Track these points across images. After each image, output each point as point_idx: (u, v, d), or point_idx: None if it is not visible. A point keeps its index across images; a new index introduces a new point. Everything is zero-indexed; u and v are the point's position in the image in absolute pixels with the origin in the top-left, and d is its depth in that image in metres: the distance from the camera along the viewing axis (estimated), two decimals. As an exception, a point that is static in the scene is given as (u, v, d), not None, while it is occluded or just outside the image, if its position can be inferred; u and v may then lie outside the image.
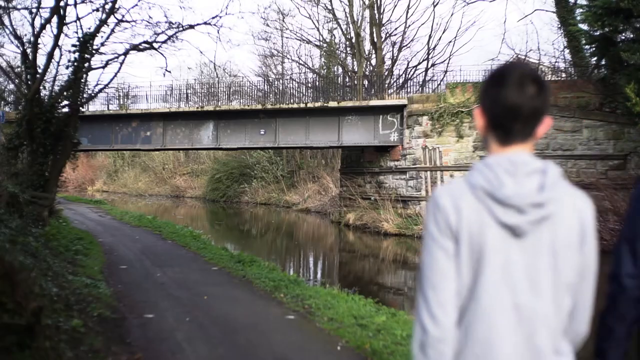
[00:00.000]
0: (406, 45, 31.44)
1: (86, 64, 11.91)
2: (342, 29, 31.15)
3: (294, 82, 25.32)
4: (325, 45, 33.00)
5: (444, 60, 30.33)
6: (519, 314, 1.34)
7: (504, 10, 65.72)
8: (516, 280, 1.35)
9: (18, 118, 12.16)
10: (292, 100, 22.83)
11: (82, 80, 12.27)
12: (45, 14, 12.18)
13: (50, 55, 11.53)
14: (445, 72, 24.40)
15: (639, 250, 1.65)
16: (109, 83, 13.37)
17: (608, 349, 1.78)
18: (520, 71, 1.41)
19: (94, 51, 11.97)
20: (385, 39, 30.11)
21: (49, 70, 11.70)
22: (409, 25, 30.69)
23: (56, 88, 12.35)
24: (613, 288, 1.72)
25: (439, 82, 22.61)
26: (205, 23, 13.23)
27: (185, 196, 42.86)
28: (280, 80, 26.90)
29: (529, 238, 1.36)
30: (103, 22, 11.82)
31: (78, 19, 11.75)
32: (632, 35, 15.25)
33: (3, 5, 12.06)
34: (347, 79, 28.24)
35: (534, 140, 1.43)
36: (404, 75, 28.88)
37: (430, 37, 30.46)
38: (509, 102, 1.39)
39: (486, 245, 1.35)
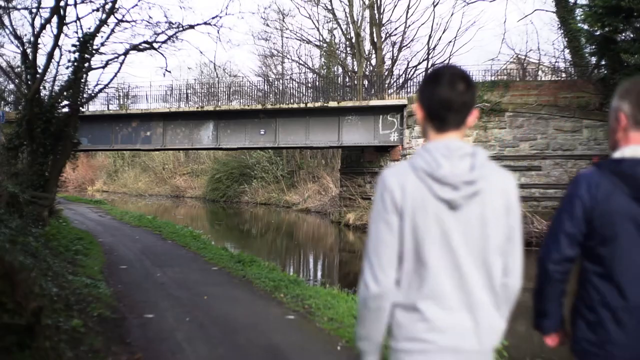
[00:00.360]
0: (406, 45, 31.47)
1: (86, 64, 11.92)
2: (342, 29, 31.18)
3: (294, 82, 25.33)
4: (325, 45, 33.01)
5: (444, 60, 30.31)
6: (459, 272, 1.62)
7: (504, 10, 65.73)
8: (454, 245, 1.62)
9: (18, 118, 12.16)
10: (292, 100, 22.84)
11: (82, 80, 12.27)
12: (45, 14, 12.19)
13: (50, 55, 11.54)
14: (445, 72, 24.37)
15: (563, 241, 1.96)
16: (109, 83, 13.39)
17: (543, 321, 2.16)
18: (451, 72, 1.72)
19: (94, 51, 11.97)
20: (385, 39, 30.12)
21: (49, 70, 11.72)
22: (409, 25, 30.71)
23: (56, 88, 12.36)
24: (540, 274, 2.09)
25: (439, 82, 22.62)
26: (205, 23, 13.24)
27: (185, 196, 42.86)
28: (280, 80, 26.91)
29: (463, 210, 1.63)
30: (103, 22, 11.82)
31: (78, 19, 11.76)
32: (632, 35, 15.25)
33: (3, 5, 12.06)
34: (347, 79, 28.25)
35: (465, 129, 1.73)
36: (404, 75, 28.88)
37: (430, 37, 30.46)
38: (442, 97, 1.67)
39: (428, 217, 1.61)
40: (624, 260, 1.88)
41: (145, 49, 12.97)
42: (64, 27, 11.45)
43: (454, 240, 1.62)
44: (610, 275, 1.91)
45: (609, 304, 1.90)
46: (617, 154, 1.97)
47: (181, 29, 12.86)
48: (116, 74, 13.28)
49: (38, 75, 11.47)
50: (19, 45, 11.74)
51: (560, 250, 1.99)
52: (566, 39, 20.78)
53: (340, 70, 32.35)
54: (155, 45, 12.98)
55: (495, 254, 1.67)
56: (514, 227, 1.71)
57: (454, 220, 1.63)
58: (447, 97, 1.67)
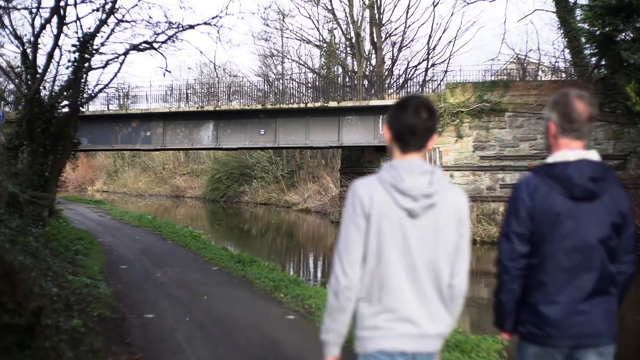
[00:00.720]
0: (406, 45, 31.46)
1: (86, 64, 11.91)
2: (342, 29, 31.17)
3: (294, 82, 25.32)
4: (325, 45, 33.00)
5: (444, 60, 30.31)
6: (414, 271, 1.91)
7: (504, 10, 65.74)
8: (411, 247, 1.91)
9: (18, 118, 12.16)
10: (292, 100, 22.83)
11: (82, 80, 12.27)
12: (45, 14, 12.19)
13: (50, 55, 11.53)
14: (445, 72, 24.40)
15: (514, 240, 2.20)
16: (109, 83, 13.39)
17: (502, 317, 2.33)
18: (417, 101, 1.97)
19: (94, 51, 11.97)
20: (385, 39, 30.11)
21: (49, 70, 11.71)
22: (409, 25, 30.70)
23: (56, 88, 12.36)
24: (499, 270, 2.26)
25: (439, 82, 22.62)
26: (205, 23, 13.23)
27: (185, 196, 42.86)
28: (280, 80, 26.91)
29: (421, 218, 1.91)
30: (103, 22, 11.82)
31: (78, 19, 11.75)
32: (632, 35, 15.24)
33: (3, 5, 12.06)
34: (347, 79, 28.25)
35: (426, 151, 2.01)
36: (404, 75, 28.88)
37: (430, 37, 30.47)
38: (408, 123, 1.94)
39: (391, 222, 1.90)
40: (559, 250, 2.17)
41: (145, 49, 12.96)
42: (64, 27, 11.45)
43: (411, 244, 1.91)
44: (547, 265, 2.19)
45: (545, 289, 2.20)
46: (550, 159, 2.26)
47: (181, 29, 12.86)
48: (116, 74, 13.29)
49: (38, 75, 11.47)
50: (19, 45, 11.74)
51: (514, 248, 2.22)
52: (566, 39, 20.79)
53: (340, 70, 32.35)
54: (155, 45, 12.98)
55: (444, 258, 1.96)
56: (463, 236, 2.01)
57: (413, 226, 1.91)
58: (412, 123, 1.95)
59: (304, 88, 25.04)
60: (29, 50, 11.68)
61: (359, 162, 22.61)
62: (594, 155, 2.22)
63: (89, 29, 11.80)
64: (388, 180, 1.93)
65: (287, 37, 34.73)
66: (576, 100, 2.22)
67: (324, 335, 2.04)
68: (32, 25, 11.83)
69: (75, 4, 11.63)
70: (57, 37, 11.39)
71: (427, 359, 2.00)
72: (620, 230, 2.21)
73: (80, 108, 12.69)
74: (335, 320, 1.98)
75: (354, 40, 29.58)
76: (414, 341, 1.94)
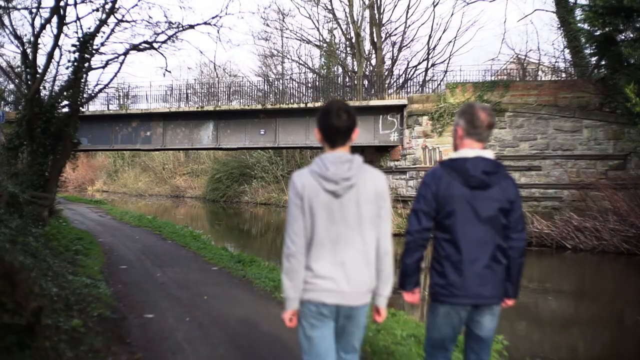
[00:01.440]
0: (406, 45, 31.47)
1: (86, 64, 11.91)
2: (342, 29, 31.17)
3: (294, 82, 25.32)
4: (325, 45, 32.99)
5: (444, 60, 30.35)
6: (337, 240, 2.47)
7: (504, 10, 65.69)
8: (336, 220, 2.47)
9: (18, 118, 12.16)
10: (292, 100, 22.84)
11: (82, 80, 12.26)
12: (45, 14, 12.22)
13: (50, 55, 11.53)
14: (445, 72, 24.41)
15: (421, 216, 2.77)
16: (109, 83, 13.38)
17: (405, 279, 2.86)
18: (337, 106, 2.55)
19: (94, 51, 11.97)
20: (385, 39, 30.11)
21: (49, 70, 11.70)
22: (409, 25, 30.72)
23: (56, 88, 12.36)
24: (407, 239, 2.80)
25: (439, 82, 22.63)
26: (205, 23, 13.23)
27: (185, 196, 42.85)
28: (280, 80, 26.90)
29: (344, 197, 2.48)
30: (103, 22, 11.81)
31: (78, 19, 11.75)
32: (632, 35, 15.24)
33: (3, 5, 12.06)
34: (347, 79, 28.24)
35: (350, 144, 2.55)
36: (404, 75, 28.89)
37: (430, 37, 30.50)
38: (332, 124, 2.51)
39: (319, 203, 2.47)
40: (459, 227, 2.73)
41: (145, 49, 12.96)
42: (64, 27, 11.44)
43: (336, 217, 2.48)
44: (451, 238, 2.75)
45: (451, 258, 2.74)
46: (454, 155, 2.83)
47: (181, 29, 12.86)
48: (116, 74, 13.28)
49: (38, 75, 11.47)
50: (19, 45, 11.73)
51: (420, 222, 2.78)
52: (566, 39, 20.79)
53: (340, 70, 32.34)
54: (155, 45, 12.98)
55: (368, 226, 2.51)
56: (382, 207, 2.55)
57: (337, 204, 2.48)
58: (336, 125, 2.51)
59: (304, 88, 25.04)
60: (29, 50, 11.68)
61: (359, 162, 22.61)
62: (489, 154, 2.81)
63: (89, 29, 11.81)
64: (316, 171, 2.50)
65: (287, 37, 34.81)
66: (479, 110, 2.83)
67: (284, 293, 2.53)
68: (32, 25, 11.85)
69: (75, 4, 11.63)
70: (57, 37, 11.38)
71: (350, 311, 2.55)
72: (509, 213, 2.79)
73: (80, 108, 12.69)
74: (291, 279, 2.50)
75: (354, 40, 29.58)
76: (334, 296, 2.49)
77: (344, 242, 2.49)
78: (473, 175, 2.75)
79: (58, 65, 12.53)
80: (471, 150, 2.81)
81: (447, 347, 2.87)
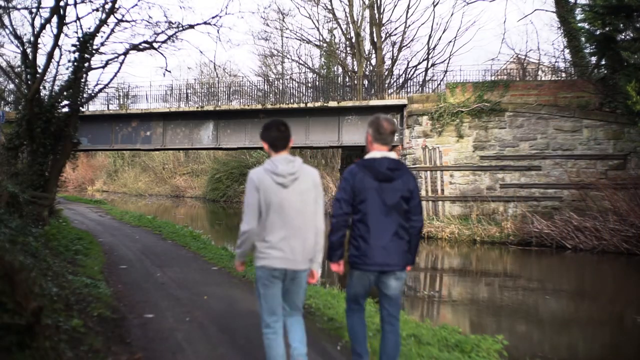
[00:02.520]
0: (406, 45, 31.46)
1: (86, 64, 11.91)
2: (342, 29, 31.15)
3: (294, 82, 25.31)
4: (325, 45, 32.97)
5: (444, 60, 30.35)
6: (286, 220, 3.33)
7: (504, 10, 65.62)
8: (285, 207, 3.32)
9: (18, 118, 12.16)
10: (292, 100, 22.83)
11: (82, 80, 12.26)
12: (45, 13, 12.22)
13: (50, 55, 11.52)
14: (445, 72, 24.39)
15: (342, 203, 3.59)
16: (109, 83, 13.37)
17: (332, 252, 3.65)
18: (276, 122, 3.46)
19: (93, 51, 11.97)
20: (385, 38, 30.10)
21: (49, 70, 11.70)
22: (409, 25, 30.71)
23: (56, 88, 12.35)
24: (332, 221, 3.58)
25: (439, 82, 22.62)
26: (205, 23, 13.23)
27: (185, 196, 42.85)
28: (280, 80, 26.90)
29: (289, 188, 3.33)
30: (103, 22, 11.81)
31: (78, 18, 11.74)
32: (632, 35, 15.23)
33: (3, 5, 12.06)
34: (347, 79, 28.22)
35: (289, 148, 3.43)
36: (404, 75, 28.89)
37: (430, 37, 30.50)
38: (274, 136, 3.43)
39: (272, 193, 3.31)
40: (370, 211, 3.58)
41: (145, 48, 12.96)
42: (64, 27, 11.44)
43: (285, 204, 3.35)
44: (363, 220, 3.59)
45: (363, 235, 3.60)
46: (366, 156, 3.71)
47: (181, 28, 12.86)
48: (116, 73, 13.28)
49: (38, 75, 11.46)
50: (19, 45, 11.74)
51: (342, 208, 3.60)
52: (566, 38, 20.78)
53: (340, 70, 32.33)
54: (155, 45, 12.98)
55: (309, 209, 3.42)
56: (318, 194, 3.48)
57: (285, 193, 3.35)
58: (276, 136, 3.46)
59: (304, 88, 25.03)
60: (29, 50, 11.68)
61: (359, 162, 22.59)
62: (393, 155, 3.67)
63: (89, 28, 11.81)
64: (268, 169, 3.39)
65: (287, 37, 34.80)
66: (383, 121, 3.69)
67: (237, 256, 3.64)
68: (32, 25, 11.86)
69: (75, 4, 11.63)
70: (57, 37, 11.38)
71: (294, 274, 3.43)
72: (409, 201, 3.65)
73: (80, 108, 12.69)
74: (242, 249, 3.52)
75: (354, 40, 29.57)
76: (282, 262, 3.36)
77: (290, 222, 3.37)
78: (380, 171, 3.61)
79: (58, 65, 12.55)
80: (379, 152, 3.69)
81: (360, 301, 3.87)
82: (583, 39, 17.83)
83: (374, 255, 3.58)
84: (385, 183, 3.60)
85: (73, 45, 11.57)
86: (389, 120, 3.70)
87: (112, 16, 12.00)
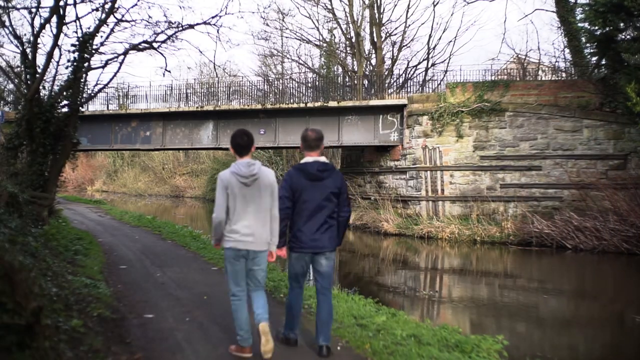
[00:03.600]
0: (406, 45, 31.45)
1: (86, 64, 11.89)
2: (342, 29, 31.15)
3: (293, 81, 25.30)
4: (325, 45, 32.96)
5: (444, 60, 30.38)
6: (248, 213, 4.22)
7: (504, 9, 65.67)
8: (247, 200, 4.21)
9: (18, 118, 12.13)
10: (292, 100, 22.82)
11: (82, 80, 12.24)
12: (44, 13, 12.20)
13: (49, 55, 11.50)
14: (446, 71, 24.39)
15: (284, 200, 4.41)
16: (108, 83, 13.33)
17: (280, 240, 4.44)
18: (241, 132, 4.31)
19: (93, 51, 11.95)
20: (385, 38, 30.10)
21: (48, 70, 11.67)
22: (409, 25, 30.71)
23: (56, 88, 12.33)
24: (280, 214, 4.38)
25: (439, 82, 22.61)
26: (205, 23, 13.21)
27: (185, 196, 42.84)
28: (280, 80, 26.89)
29: (251, 186, 4.20)
30: (102, 22, 11.79)
31: (77, 18, 11.72)
32: (632, 34, 15.22)
33: (3, 4, 12.04)
34: (347, 79, 28.21)
35: (251, 153, 4.30)
36: (404, 75, 28.88)
37: (430, 36, 30.53)
38: (239, 143, 4.28)
39: (237, 190, 4.18)
40: (304, 205, 4.43)
41: (145, 48, 12.95)
42: (64, 27, 11.42)
43: (247, 199, 4.19)
44: (300, 212, 4.45)
45: (299, 224, 4.47)
46: (301, 161, 4.52)
47: (181, 28, 12.84)
48: (116, 73, 13.27)
49: (38, 75, 11.44)
50: (18, 45, 11.71)
51: (284, 203, 4.45)
52: (566, 38, 20.77)
53: (340, 70, 32.32)
54: (155, 45, 12.96)
55: (267, 204, 4.27)
56: (273, 192, 4.31)
57: (247, 190, 4.18)
58: (241, 143, 4.27)
59: (303, 88, 25.02)
60: (28, 50, 11.65)
61: (359, 161, 22.59)
62: (323, 159, 4.53)
63: (89, 28, 11.79)
64: (234, 171, 4.23)
65: (287, 37, 34.79)
66: (309, 132, 4.54)
67: (213, 241, 4.48)
68: (32, 25, 11.83)
69: (74, 4, 11.61)
70: (56, 37, 11.36)
71: (255, 254, 4.29)
72: (338, 196, 4.53)
73: (80, 108, 12.67)
74: (216, 233, 4.33)
75: (354, 40, 29.56)
76: (245, 244, 4.23)
77: (251, 212, 4.25)
78: (311, 173, 4.46)
79: (58, 65, 12.51)
80: (310, 157, 4.53)
81: (300, 280, 4.68)
82: (583, 38, 17.83)
83: (308, 240, 4.47)
84: (316, 182, 4.46)
85: (73, 45, 11.55)
86: (314, 130, 4.59)
87: (111, 16, 11.99)
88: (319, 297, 4.63)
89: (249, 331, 4.38)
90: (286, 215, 4.46)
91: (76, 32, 11.72)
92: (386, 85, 24.83)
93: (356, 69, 29.13)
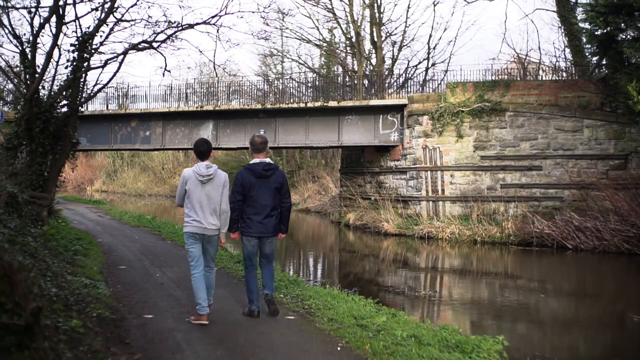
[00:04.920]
0: (406, 44, 31.52)
1: (85, 64, 11.87)
2: (342, 29, 31.14)
3: (293, 81, 25.28)
4: (325, 44, 32.96)
5: (445, 60, 30.45)
6: (204, 206, 5.42)
7: (505, 9, 65.73)
8: (203, 197, 5.42)
9: (17, 118, 12.10)
10: (292, 100, 22.80)
11: (81, 80, 12.22)
12: (44, 13, 12.11)
13: (49, 55, 11.47)
14: (446, 71, 24.39)
15: (236, 194, 5.61)
16: (108, 82, 13.29)
17: (232, 224, 5.63)
18: (201, 140, 5.56)
19: (93, 51, 11.93)
20: (386, 38, 30.09)
21: (48, 69, 11.64)
22: (410, 25, 30.79)
23: (55, 88, 12.30)
24: (231, 206, 5.58)
25: (439, 82, 22.57)
26: (204, 22, 13.19)
27: (185, 196, 42.71)
28: (280, 80, 26.87)
29: (206, 184, 5.42)
30: (102, 22, 11.77)
31: (77, 18, 11.70)
32: (633, 34, 15.20)
33: (2, 4, 12.02)
34: (347, 79, 28.21)
35: (211, 159, 5.59)
36: (404, 75, 28.86)
37: (430, 36, 30.59)
38: (200, 149, 5.51)
39: (194, 186, 5.41)
40: (252, 198, 5.59)
41: (145, 48, 12.93)
42: (63, 27, 11.39)
43: (204, 194, 5.40)
44: (250, 204, 5.61)
45: (249, 213, 5.64)
46: (250, 162, 5.67)
47: (180, 28, 12.82)
48: (115, 73, 13.23)
49: (37, 75, 11.42)
50: (17, 44, 11.67)
51: (236, 197, 5.58)
52: (567, 38, 20.77)
53: (340, 69, 32.32)
54: (155, 44, 12.94)
55: (217, 199, 5.44)
56: (225, 190, 5.48)
57: (203, 186, 5.39)
58: (201, 150, 5.48)
59: (303, 88, 25.01)
60: (27, 50, 11.63)
61: (359, 161, 22.57)
62: (267, 160, 5.63)
63: (88, 28, 11.76)
64: (195, 170, 5.35)
65: (287, 37, 34.76)
66: (255, 137, 5.68)
67: (177, 204, 5.72)
68: (31, 24, 11.79)
69: (74, 3, 11.59)
70: (56, 37, 11.33)
71: (209, 238, 5.46)
72: (280, 190, 5.64)
73: (79, 108, 12.65)
74: (178, 201, 5.60)
75: (354, 40, 29.56)
76: (199, 229, 5.36)
77: (205, 204, 5.40)
78: (258, 172, 5.61)
79: (57, 64, 12.48)
80: (257, 159, 5.70)
81: (253, 259, 5.81)
82: (584, 38, 17.82)
83: (255, 226, 5.64)
84: (262, 179, 5.62)
85: (72, 44, 11.52)
86: (260, 136, 5.79)
87: (111, 15, 11.96)
88: (262, 267, 5.94)
89: (206, 300, 5.45)
90: (238, 206, 5.62)
91: (75, 32, 11.71)
92: (386, 85, 24.81)
93: (356, 69, 29.13)
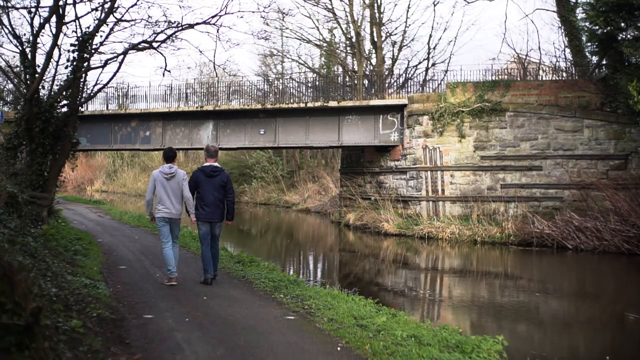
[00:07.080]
0: (406, 44, 31.53)
1: (85, 64, 11.86)
2: (342, 29, 31.14)
3: (293, 81, 25.28)
4: (325, 44, 32.96)
5: (445, 60, 30.43)
6: (170, 197, 7.47)
7: (505, 9, 65.72)
8: (168, 191, 7.46)
9: (17, 118, 12.09)
10: (292, 100, 22.79)
11: (81, 80, 12.21)
12: (44, 13, 12.10)
13: (49, 55, 11.47)
14: (446, 71, 24.38)
15: (191, 187, 7.59)
16: (108, 82, 13.28)
17: (190, 211, 7.63)
18: (169, 149, 7.73)
19: (93, 51, 11.92)
20: (386, 38, 30.09)
21: (48, 69, 11.63)
22: (410, 25, 30.77)
23: (55, 88, 12.30)
24: (188, 196, 7.57)
25: (439, 82, 22.57)
26: (204, 22, 13.18)
27: (185, 196, 42.69)
28: (280, 80, 26.86)
29: (170, 180, 7.47)
30: (102, 22, 11.76)
31: (77, 18, 11.69)
32: (634, 33, 15.20)
33: (2, 4, 12.01)
34: (347, 79, 28.20)
35: (175, 161, 7.71)
36: (404, 75, 28.86)
37: (430, 36, 30.61)
38: (168, 155, 7.63)
39: (161, 182, 7.46)
40: (203, 192, 7.58)
41: (145, 48, 12.92)
42: (63, 27, 11.38)
43: (168, 189, 7.44)
44: (200, 196, 7.61)
45: (201, 203, 7.60)
46: (203, 165, 7.88)
47: (180, 28, 12.81)
48: (115, 73, 13.22)
49: (37, 75, 11.41)
50: (17, 44, 11.67)
51: (190, 191, 7.55)
52: (567, 38, 20.76)
53: (340, 69, 32.31)
54: (155, 44, 12.94)
55: (178, 189, 7.48)
56: (184, 182, 7.51)
57: (168, 182, 7.43)
58: (169, 155, 7.60)
59: (303, 88, 25.01)
60: (27, 50, 11.62)
61: (359, 161, 22.57)
62: (215, 163, 7.73)
63: (88, 28, 11.76)
64: (161, 170, 7.46)
65: (287, 37, 34.76)
66: (209, 146, 7.83)
67: (147, 215, 8.70)
68: (31, 24, 11.78)
69: (74, 3, 11.58)
70: (56, 37, 11.33)
71: (174, 222, 7.55)
72: (225, 187, 7.63)
73: (79, 108, 12.64)
74: (147, 209, 7.65)
75: (354, 40, 29.55)
76: (167, 214, 7.41)
77: (170, 196, 7.34)
78: (207, 172, 7.50)
79: (57, 64, 12.47)
80: (208, 163, 7.65)
81: (206, 237, 7.57)
82: (584, 38, 17.82)
83: (206, 213, 7.47)
84: (210, 178, 7.50)
85: (72, 44, 11.52)
86: (214, 146, 7.78)
87: (111, 15, 11.95)
88: (211, 250, 7.64)
89: (175, 266, 7.44)
90: (193, 201, 7.55)
91: (75, 32, 11.70)
92: (386, 85, 24.80)
93: (356, 69, 29.12)
